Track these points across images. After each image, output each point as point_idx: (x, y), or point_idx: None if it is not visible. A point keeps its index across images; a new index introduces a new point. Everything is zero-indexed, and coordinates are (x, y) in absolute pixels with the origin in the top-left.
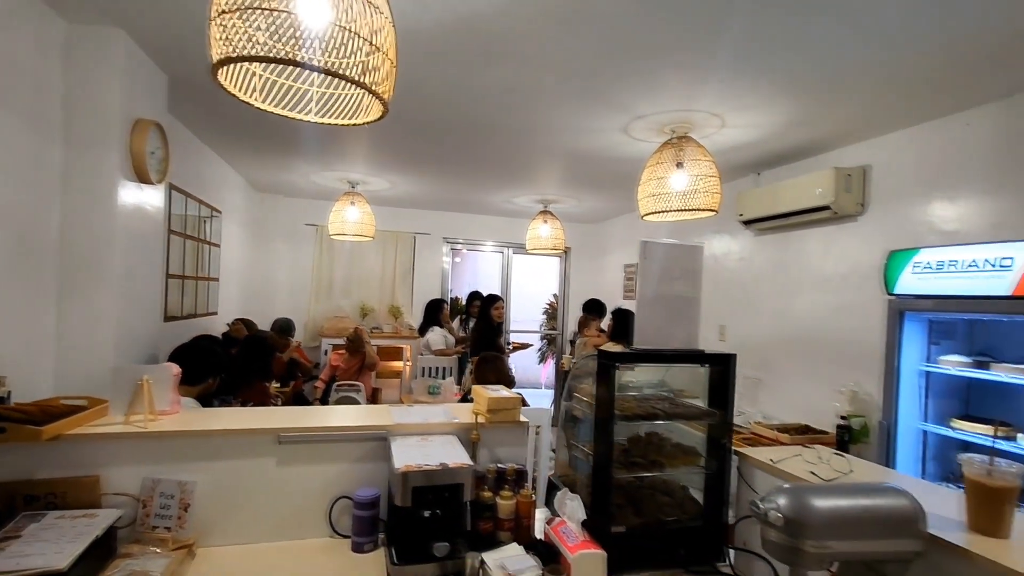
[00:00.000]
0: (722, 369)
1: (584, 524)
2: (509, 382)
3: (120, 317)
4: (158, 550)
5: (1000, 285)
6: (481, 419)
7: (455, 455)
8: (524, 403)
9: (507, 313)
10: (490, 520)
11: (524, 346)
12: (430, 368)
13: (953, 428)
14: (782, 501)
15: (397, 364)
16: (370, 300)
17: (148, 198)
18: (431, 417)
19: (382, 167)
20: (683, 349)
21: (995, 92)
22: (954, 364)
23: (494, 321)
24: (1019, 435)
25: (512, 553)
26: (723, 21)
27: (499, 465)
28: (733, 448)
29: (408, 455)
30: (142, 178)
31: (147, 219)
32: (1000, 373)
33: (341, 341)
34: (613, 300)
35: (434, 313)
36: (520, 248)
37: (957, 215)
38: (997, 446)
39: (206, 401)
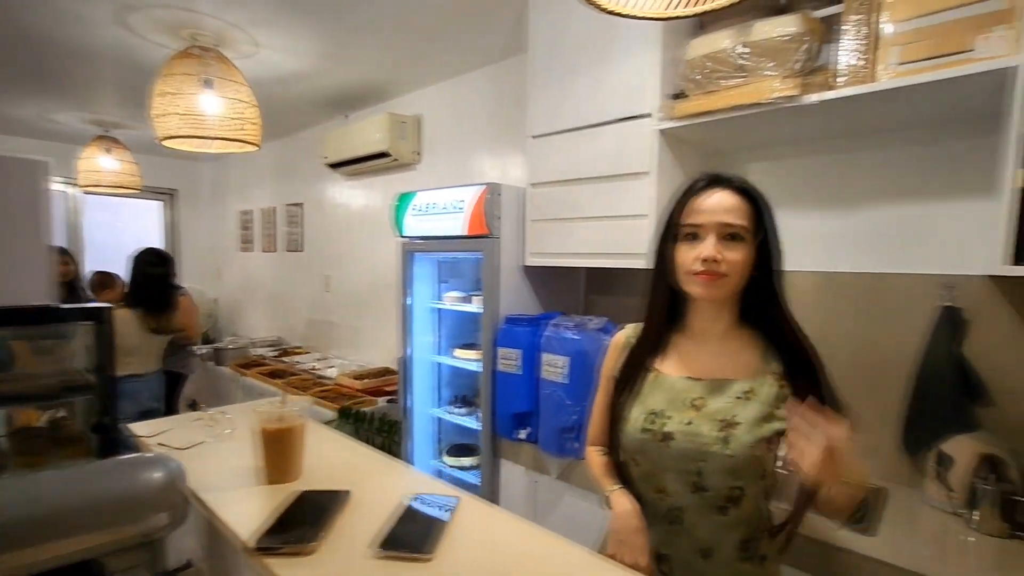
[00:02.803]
0: (100, 328)
1: None
2: None
3: None
4: None
5: (457, 225)
6: None
7: None
8: None
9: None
10: None
11: None
12: None
13: (455, 357)
14: None
15: None
16: None
17: None
18: None
19: None
20: (10, 306)
21: (491, 56)
22: (452, 300)
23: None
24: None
25: None
26: None
27: None
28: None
29: None
30: None
31: None
32: (473, 306)
33: None
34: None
35: None
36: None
37: (478, 163)
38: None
39: None
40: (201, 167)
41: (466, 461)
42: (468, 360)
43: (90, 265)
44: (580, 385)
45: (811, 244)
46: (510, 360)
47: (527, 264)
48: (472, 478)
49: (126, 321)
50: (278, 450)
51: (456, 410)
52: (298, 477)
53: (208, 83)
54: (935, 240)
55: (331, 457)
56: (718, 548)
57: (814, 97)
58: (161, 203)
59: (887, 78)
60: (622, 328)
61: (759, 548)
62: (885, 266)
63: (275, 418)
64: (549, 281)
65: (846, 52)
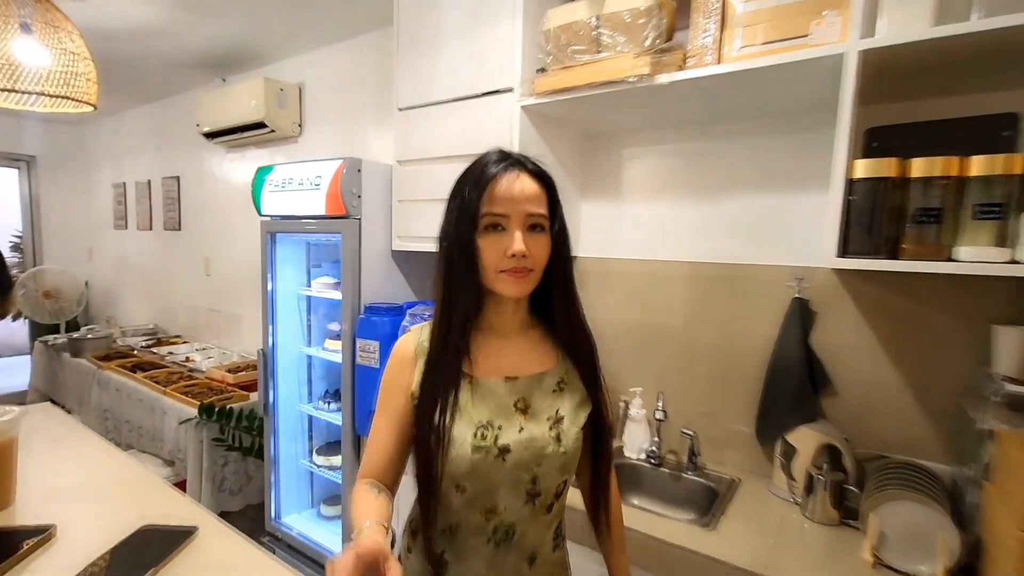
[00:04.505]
0: None
1: None
2: None
3: None
4: None
5: (315, 203)
6: None
7: None
8: None
9: None
10: None
11: None
12: None
13: (327, 349)
14: None
15: None
16: None
17: None
18: None
19: None
20: None
21: (372, 21)
22: (321, 286)
23: None
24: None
25: None
26: None
27: None
28: None
29: None
30: None
31: None
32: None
33: None
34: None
35: None
36: None
37: (362, 137)
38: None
39: None
40: (63, 131)
41: (336, 460)
42: (339, 352)
43: None
44: None
45: (684, 233)
46: (369, 352)
47: (395, 249)
48: (340, 478)
49: None
50: None
51: (325, 406)
52: (6, 506)
53: (26, 28)
54: (791, 231)
55: (66, 476)
56: (540, 549)
57: (664, 77)
58: (17, 171)
59: (730, 61)
60: (406, 333)
61: (562, 530)
62: (748, 256)
63: None
64: (424, 267)
65: (697, 32)
